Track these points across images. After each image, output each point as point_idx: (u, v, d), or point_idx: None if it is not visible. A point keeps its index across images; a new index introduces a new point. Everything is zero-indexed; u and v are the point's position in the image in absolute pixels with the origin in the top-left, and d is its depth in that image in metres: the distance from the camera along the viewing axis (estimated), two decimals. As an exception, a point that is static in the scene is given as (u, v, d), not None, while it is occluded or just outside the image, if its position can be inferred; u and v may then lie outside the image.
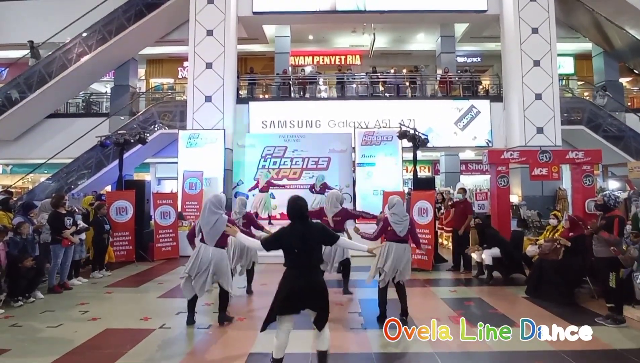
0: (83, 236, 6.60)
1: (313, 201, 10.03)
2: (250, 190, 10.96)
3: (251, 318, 4.93)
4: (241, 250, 5.68)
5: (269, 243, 3.29)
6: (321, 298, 3.18)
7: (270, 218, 10.37)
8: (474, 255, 7.06)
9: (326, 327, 3.25)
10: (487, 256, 6.64)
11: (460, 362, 3.71)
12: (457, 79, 13.51)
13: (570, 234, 5.62)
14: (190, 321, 4.62)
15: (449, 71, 13.67)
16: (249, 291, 6.05)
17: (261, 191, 10.76)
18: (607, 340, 4.13)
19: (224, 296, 4.62)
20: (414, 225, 4.99)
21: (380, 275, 4.71)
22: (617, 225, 4.66)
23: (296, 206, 3.26)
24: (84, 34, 12.72)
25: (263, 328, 3.28)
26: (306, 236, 3.17)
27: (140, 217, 8.65)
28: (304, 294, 3.14)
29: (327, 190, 9.78)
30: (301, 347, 4.00)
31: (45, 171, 14.20)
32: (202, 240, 4.52)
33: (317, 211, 6.04)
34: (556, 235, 6.10)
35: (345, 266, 5.96)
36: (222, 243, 4.54)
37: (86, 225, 6.72)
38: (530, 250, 6.49)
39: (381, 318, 4.64)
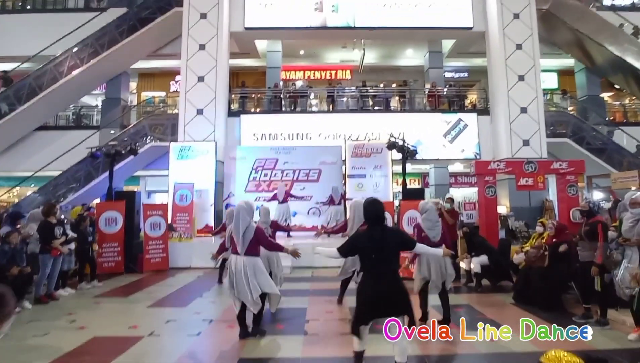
0: (72, 246, 6.54)
1: (329, 216, 10.06)
2: (268, 200, 10.48)
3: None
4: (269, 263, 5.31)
5: (346, 250, 3.18)
6: (403, 302, 3.08)
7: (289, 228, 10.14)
8: (463, 264, 7.14)
9: (406, 339, 3.14)
10: (475, 264, 6.72)
11: (449, 365, 3.74)
12: (444, 93, 13.83)
13: (554, 240, 5.74)
14: (244, 334, 4.35)
15: (436, 85, 14.01)
16: None
17: (283, 202, 10.16)
18: (591, 341, 4.20)
19: (259, 311, 4.34)
20: (446, 230, 4.92)
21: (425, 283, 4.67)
22: (600, 230, 4.80)
23: (372, 208, 3.16)
24: (76, 48, 12.80)
25: (356, 334, 3.21)
26: (383, 241, 3.05)
27: (130, 228, 8.59)
28: (384, 301, 3.03)
29: (346, 200, 9.70)
30: (290, 352, 4.01)
31: (33, 184, 14.04)
32: (233, 251, 4.32)
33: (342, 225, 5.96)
34: (542, 241, 6.23)
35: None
36: (254, 251, 4.30)
37: (75, 235, 6.66)
38: (517, 257, 6.59)
39: (423, 318, 4.74)
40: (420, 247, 3.38)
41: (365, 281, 3.12)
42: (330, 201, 10.40)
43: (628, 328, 4.61)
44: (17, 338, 4.47)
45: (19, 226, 6.29)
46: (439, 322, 4.58)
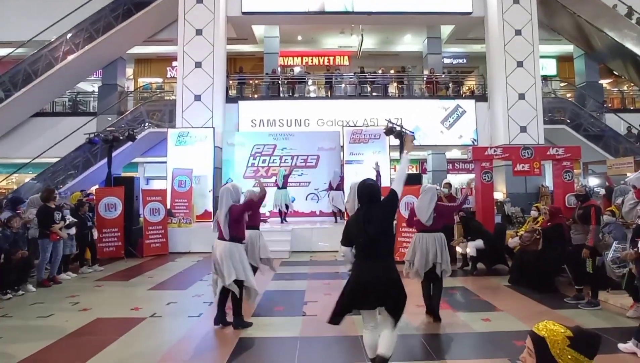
0: (72, 230, 6.60)
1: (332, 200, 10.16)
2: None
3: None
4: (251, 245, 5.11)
5: (344, 240, 3.00)
6: (392, 294, 2.79)
7: (285, 214, 10.19)
8: (459, 248, 7.26)
9: (392, 332, 2.86)
10: (471, 248, 6.83)
11: (444, 344, 3.84)
12: (443, 76, 13.79)
13: (548, 224, 5.84)
14: (219, 320, 4.24)
15: (434, 71, 13.96)
16: None
17: (282, 187, 10.08)
18: (583, 321, 4.33)
19: (235, 299, 4.19)
20: (445, 207, 4.70)
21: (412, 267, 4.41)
22: (593, 214, 4.90)
23: (365, 190, 2.92)
24: (71, 32, 12.64)
25: (333, 322, 2.93)
26: (367, 222, 2.79)
27: (130, 213, 8.64)
28: (370, 289, 2.75)
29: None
30: (289, 332, 4.12)
31: (30, 171, 14.01)
32: (219, 236, 4.18)
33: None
34: (536, 226, 6.33)
35: None
36: (236, 234, 4.16)
37: (75, 220, 6.71)
38: (512, 241, 6.70)
39: (427, 310, 4.50)
40: (395, 183, 3.00)
41: (355, 267, 2.88)
42: (329, 187, 10.47)
43: (619, 309, 4.75)
44: (23, 319, 4.57)
45: (19, 211, 6.34)
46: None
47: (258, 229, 5.11)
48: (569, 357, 1.31)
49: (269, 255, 5.19)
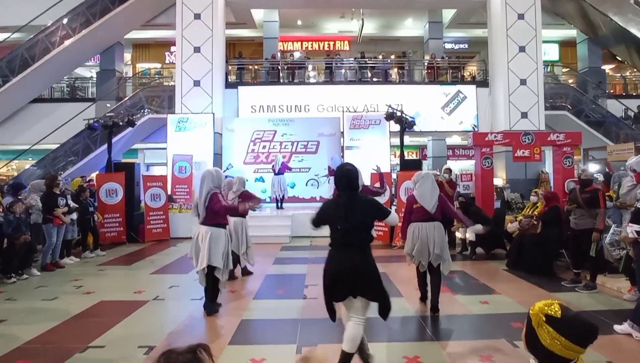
0: (74, 216, 6.64)
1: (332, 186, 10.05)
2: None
3: (243, 288, 5.09)
4: (235, 234, 5.22)
5: (317, 221, 2.88)
6: (370, 283, 2.70)
7: (281, 200, 10.17)
8: (458, 233, 7.31)
9: (359, 328, 2.70)
10: (470, 233, 6.88)
11: (443, 325, 3.91)
12: (442, 59, 13.66)
13: (545, 208, 5.88)
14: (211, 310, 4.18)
15: (435, 57, 13.83)
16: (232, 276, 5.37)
17: (279, 174, 10.01)
18: (580, 303, 4.40)
19: (212, 283, 4.16)
20: (446, 201, 4.29)
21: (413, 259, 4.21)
22: (602, 197, 4.89)
23: (342, 174, 2.81)
24: (68, 17, 12.48)
25: (333, 319, 2.83)
26: (350, 210, 2.70)
27: (131, 199, 8.68)
28: (347, 278, 2.66)
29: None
30: (290, 314, 4.18)
31: (30, 158, 14.01)
32: (201, 221, 4.13)
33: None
34: (535, 211, 6.37)
35: None
36: (217, 220, 4.10)
37: (77, 205, 6.74)
38: (511, 226, 6.75)
39: (422, 298, 4.41)
40: (392, 216, 2.98)
41: (331, 256, 2.79)
42: (329, 172, 10.41)
43: (615, 292, 4.82)
44: (27, 302, 4.64)
45: (20, 196, 6.36)
46: (430, 309, 4.15)
47: (244, 218, 5.22)
48: (546, 332, 1.35)
49: (250, 247, 5.37)
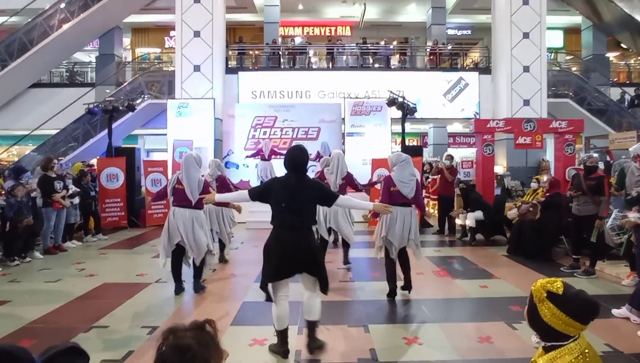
0: (76, 200, 6.65)
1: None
2: (249, 157, 10.41)
3: (244, 271, 5.13)
4: (216, 217, 5.30)
5: (257, 193, 2.98)
6: (311, 262, 2.88)
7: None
8: (458, 220, 7.34)
9: (317, 297, 2.99)
10: (470, 219, 6.91)
11: (442, 308, 3.96)
12: (444, 45, 13.53)
13: (547, 194, 5.89)
14: (179, 290, 4.31)
15: (437, 43, 13.67)
16: (222, 259, 5.61)
17: (267, 159, 9.85)
18: (579, 288, 4.42)
19: (202, 264, 4.31)
20: (420, 188, 4.29)
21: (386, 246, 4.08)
22: (607, 185, 4.87)
23: (290, 156, 2.90)
24: (66, 0, 12.30)
25: (267, 299, 2.98)
26: (297, 191, 2.81)
27: (131, 184, 8.69)
28: (292, 258, 2.83)
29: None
30: (292, 297, 4.21)
31: (30, 143, 13.97)
32: (175, 203, 4.24)
33: (318, 175, 5.46)
34: (535, 198, 6.38)
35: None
36: (200, 204, 4.22)
37: (78, 189, 6.76)
38: (511, 213, 6.77)
39: (391, 294, 4.11)
40: (344, 200, 3.08)
41: (272, 234, 2.89)
42: (317, 157, 10.21)
43: (614, 277, 4.86)
44: (31, 283, 4.69)
45: (21, 180, 6.36)
46: (401, 287, 4.17)
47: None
48: (547, 308, 1.36)
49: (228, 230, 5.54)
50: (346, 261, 5.39)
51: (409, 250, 4.15)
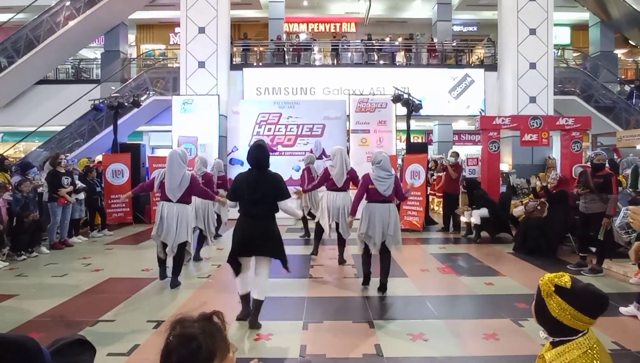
0: (81, 195, 6.69)
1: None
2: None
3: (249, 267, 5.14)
4: (201, 211, 5.34)
5: (232, 195, 3.40)
6: (265, 247, 3.30)
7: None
8: (463, 217, 7.30)
9: (265, 278, 3.38)
10: (475, 216, 6.87)
11: (447, 305, 3.94)
12: (448, 41, 13.44)
13: (554, 191, 5.84)
14: (163, 276, 4.48)
15: (444, 44, 13.59)
16: (197, 258, 5.50)
17: None
18: (584, 286, 4.40)
19: (179, 259, 4.36)
20: (399, 184, 4.39)
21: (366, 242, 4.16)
22: (615, 183, 4.82)
23: (252, 153, 3.29)
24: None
25: (235, 274, 3.44)
26: (257, 185, 3.22)
27: (137, 180, 8.69)
28: (249, 242, 3.27)
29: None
30: (297, 292, 4.23)
31: (37, 140, 14.06)
32: (163, 197, 4.33)
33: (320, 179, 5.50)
34: (545, 183, 6.31)
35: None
36: (186, 199, 4.37)
37: (84, 185, 6.79)
38: (517, 210, 6.73)
39: (365, 280, 4.31)
40: (283, 203, 3.34)
41: (238, 220, 3.34)
42: (322, 154, 10.15)
43: (622, 276, 4.82)
44: (38, 278, 4.72)
45: (28, 176, 6.41)
46: (377, 289, 4.15)
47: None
48: (555, 303, 1.35)
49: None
50: (341, 260, 5.37)
51: (392, 249, 4.17)
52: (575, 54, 16.04)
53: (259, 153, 3.29)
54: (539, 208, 6.06)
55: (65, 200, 6.29)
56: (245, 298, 3.49)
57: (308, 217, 6.90)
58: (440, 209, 9.24)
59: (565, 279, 1.40)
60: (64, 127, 12.42)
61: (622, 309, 3.64)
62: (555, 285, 1.38)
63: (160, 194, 4.39)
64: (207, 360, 0.98)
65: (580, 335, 1.36)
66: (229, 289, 4.37)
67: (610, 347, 2.92)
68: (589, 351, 1.34)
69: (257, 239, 3.25)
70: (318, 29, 16.85)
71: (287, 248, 6.18)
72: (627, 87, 13.29)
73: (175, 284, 4.35)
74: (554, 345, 1.40)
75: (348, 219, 4.70)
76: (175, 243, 4.25)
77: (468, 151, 16.12)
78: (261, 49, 13.80)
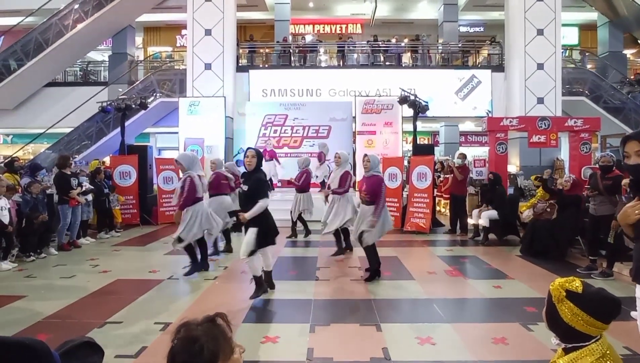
0: (89, 197, 6.74)
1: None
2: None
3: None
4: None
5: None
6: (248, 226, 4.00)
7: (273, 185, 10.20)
8: (471, 219, 7.24)
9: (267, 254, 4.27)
10: (484, 218, 6.81)
11: (455, 308, 3.91)
12: (454, 43, 13.40)
13: (567, 193, 5.77)
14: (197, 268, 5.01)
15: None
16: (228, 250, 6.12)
17: (269, 160, 9.81)
18: (595, 290, 4.34)
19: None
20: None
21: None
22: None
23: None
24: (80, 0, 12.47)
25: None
26: (247, 182, 3.99)
27: (144, 181, 8.77)
28: (240, 224, 4.11)
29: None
30: (304, 295, 4.22)
31: (45, 141, 14.21)
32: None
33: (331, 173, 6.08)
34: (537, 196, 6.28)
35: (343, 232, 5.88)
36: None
37: (92, 187, 6.85)
38: (525, 216, 6.64)
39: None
40: (259, 206, 3.91)
41: (267, 212, 4.10)
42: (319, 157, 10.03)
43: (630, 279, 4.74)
44: (47, 279, 4.76)
45: (37, 177, 6.47)
46: (366, 270, 4.83)
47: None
48: (567, 308, 1.33)
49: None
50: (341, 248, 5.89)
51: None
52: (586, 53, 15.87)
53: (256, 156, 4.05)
54: (548, 209, 6.00)
55: (77, 201, 6.35)
56: (260, 278, 4.08)
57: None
58: (447, 211, 9.18)
59: (576, 284, 1.38)
60: (72, 129, 12.55)
61: (633, 313, 3.57)
62: (567, 290, 1.36)
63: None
64: (210, 362, 1.00)
65: (593, 340, 1.34)
66: (235, 291, 4.38)
67: (621, 352, 2.88)
68: (602, 358, 1.32)
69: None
70: (324, 30, 16.86)
71: (290, 250, 6.33)
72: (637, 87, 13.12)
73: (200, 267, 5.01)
74: (567, 351, 1.38)
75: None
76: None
77: (475, 153, 16.00)
78: (267, 50, 13.83)
